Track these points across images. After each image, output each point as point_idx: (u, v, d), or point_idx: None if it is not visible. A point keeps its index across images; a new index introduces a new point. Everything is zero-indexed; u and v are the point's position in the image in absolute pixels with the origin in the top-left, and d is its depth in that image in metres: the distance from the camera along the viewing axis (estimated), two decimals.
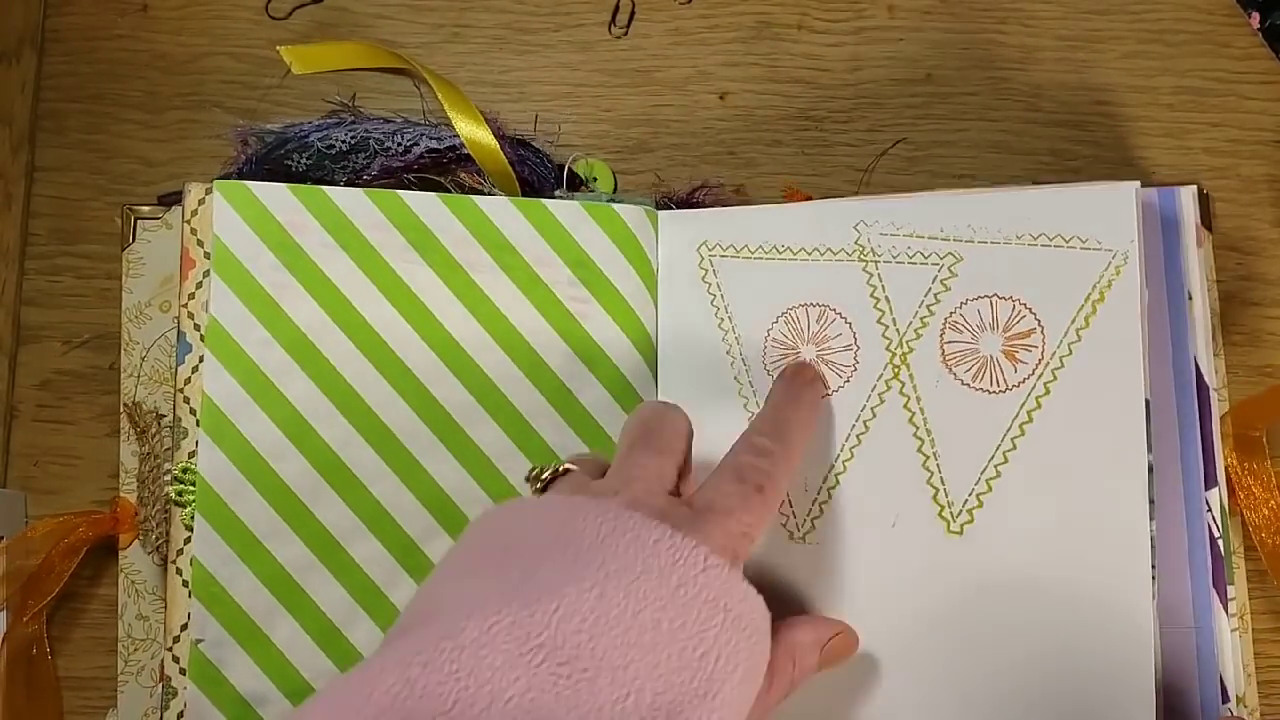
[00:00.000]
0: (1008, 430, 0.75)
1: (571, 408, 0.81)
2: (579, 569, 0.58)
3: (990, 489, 0.75)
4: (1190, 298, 0.78)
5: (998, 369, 0.76)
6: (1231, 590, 0.78)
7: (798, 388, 0.76)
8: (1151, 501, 0.72)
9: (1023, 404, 0.75)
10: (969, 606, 0.75)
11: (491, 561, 0.61)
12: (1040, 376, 0.75)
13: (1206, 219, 0.84)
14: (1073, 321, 0.75)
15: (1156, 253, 0.78)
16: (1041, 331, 0.76)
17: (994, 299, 0.77)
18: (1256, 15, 0.88)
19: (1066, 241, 0.76)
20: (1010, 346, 0.76)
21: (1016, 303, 0.76)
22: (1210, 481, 0.78)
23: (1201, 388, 0.78)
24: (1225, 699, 0.76)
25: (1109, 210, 0.75)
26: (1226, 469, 0.80)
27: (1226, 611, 0.77)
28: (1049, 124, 0.90)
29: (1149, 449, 0.73)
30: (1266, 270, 0.87)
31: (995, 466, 0.75)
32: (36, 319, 0.91)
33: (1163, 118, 0.89)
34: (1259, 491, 0.80)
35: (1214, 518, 0.77)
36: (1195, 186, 0.80)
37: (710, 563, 0.59)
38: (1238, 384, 0.85)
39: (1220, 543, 0.77)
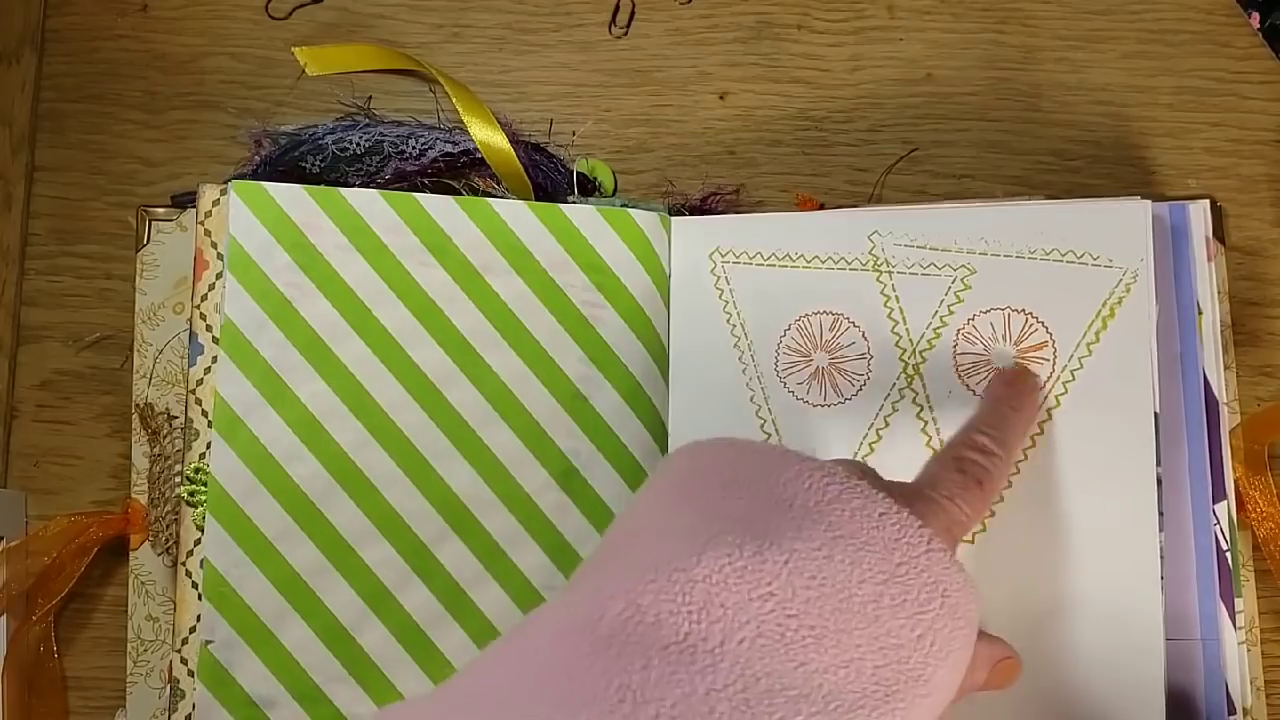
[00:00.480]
0: None
1: (584, 412, 0.82)
2: (806, 526, 0.57)
3: (1002, 499, 0.76)
4: (1200, 312, 0.79)
5: None
6: (1239, 603, 0.78)
7: (1022, 393, 0.75)
8: (1160, 514, 0.73)
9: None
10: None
11: (711, 496, 0.59)
12: (1051, 389, 0.76)
13: (1219, 231, 0.84)
14: (1083, 336, 0.76)
15: (1166, 267, 0.79)
16: (1053, 345, 0.76)
17: (1007, 311, 0.78)
18: (1256, 15, 0.88)
19: (1079, 257, 0.77)
20: (1022, 359, 0.77)
21: (1029, 316, 0.77)
22: (1219, 495, 0.78)
23: (1211, 401, 0.78)
24: (1231, 711, 0.77)
25: (1121, 227, 0.76)
26: (1236, 482, 0.80)
27: (1234, 624, 0.77)
28: (1049, 124, 0.90)
29: (1158, 462, 0.74)
30: (1266, 270, 0.87)
31: (1008, 477, 0.76)
32: (36, 319, 0.91)
33: (1163, 118, 0.90)
34: (1267, 505, 0.81)
35: (1222, 530, 0.78)
36: (1207, 201, 0.80)
37: (934, 545, 0.58)
38: (1238, 383, 0.85)
39: (1228, 555, 0.78)
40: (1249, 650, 0.80)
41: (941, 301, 0.78)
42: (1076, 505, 0.75)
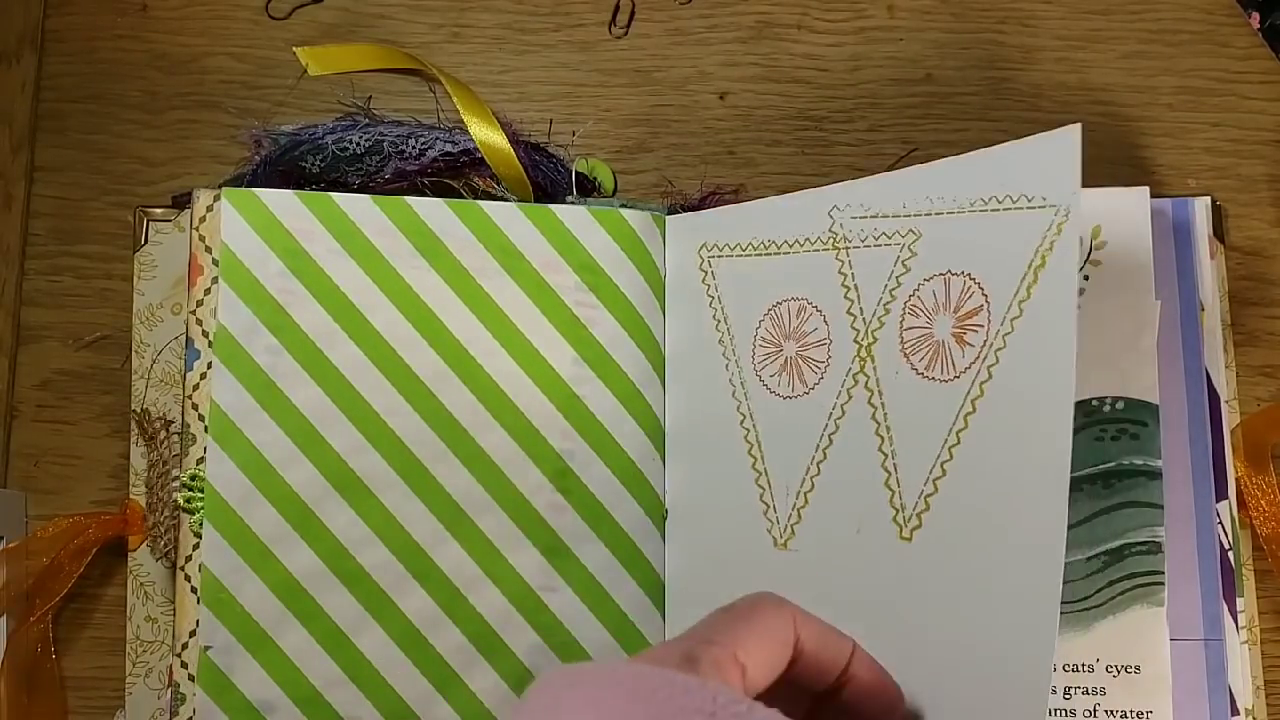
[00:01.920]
0: (953, 424, 0.69)
1: (578, 412, 0.81)
2: None
3: (936, 489, 0.69)
4: (1202, 308, 0.78)
5: (947, 355, 0.70)
6: (1240, 603, 0.77)
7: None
8: (1160, 508, 0.72)
9: (967, 392, 0.69)
10: (916, 617, 0.68)
11: None
12: (984, 360, 0.68)
13: (1219, 231, 0.84)
14: (1015, 293, 0.68)
15: (1169, 262, 0.78)
16: (987, 308, 0.69)
17: (947, 276, 0.71)
18: (1256, 15, 0.88)
19: (1014, 202, 0.69)
20: (959, 328, 0.70)
21: (967, 278, 0.70)
22: (1221, 493, 0.77)
23: (1213, 399, 0.77)
24: (1235, 712, 0.75)
25: (1049, 160, 0.68)
26: (1237, 481, 0.79)
27: (1236, 624, 0.76)
28: (1049, 124, 0.88)
29: (1158, 455, 0.72)
30: (1266, 270, 0.87)
31: (941, 464, 0.69)
32: (36, 319, 0.91)
33: (1163, 118, 0.89)
34: (1269, 504, 0.80)
35: (1225, 529, 0.77)
36: (1209, 198, 0.80)
37: None
38: (1238, 383, 0.85)
39: (1231, 555, 0.77)
40: (1249, 649, 0.80)
41: (890, 274, 0.73)
42: (1000, 493, 0.66)
